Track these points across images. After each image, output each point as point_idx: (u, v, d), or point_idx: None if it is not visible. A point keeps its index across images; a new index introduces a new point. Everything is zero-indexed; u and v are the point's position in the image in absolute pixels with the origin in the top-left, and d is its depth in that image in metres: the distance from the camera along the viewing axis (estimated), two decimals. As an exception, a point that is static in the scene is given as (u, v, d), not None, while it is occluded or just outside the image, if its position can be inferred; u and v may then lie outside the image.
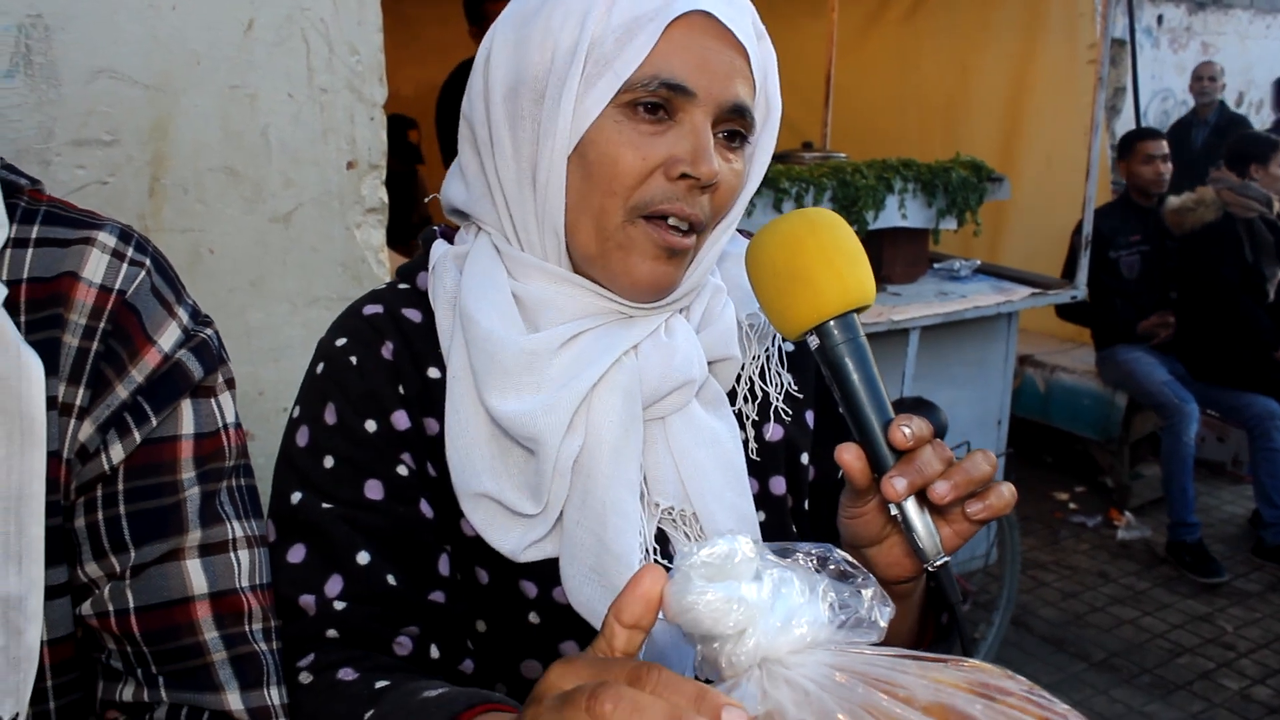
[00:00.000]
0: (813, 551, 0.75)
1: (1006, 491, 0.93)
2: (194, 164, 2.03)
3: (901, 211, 3.96)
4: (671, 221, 1.03)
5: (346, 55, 2.12)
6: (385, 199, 2.21)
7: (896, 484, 0.90)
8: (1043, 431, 5.93)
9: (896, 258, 4.07)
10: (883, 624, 0.70)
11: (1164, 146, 5.34)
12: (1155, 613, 4.61)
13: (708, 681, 0.71)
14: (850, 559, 0.75)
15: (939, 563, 0.92)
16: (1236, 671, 4.14)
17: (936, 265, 4.34)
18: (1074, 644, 4.34)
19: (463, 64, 4.32)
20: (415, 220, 4.86)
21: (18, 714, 0.86)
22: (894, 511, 0.92)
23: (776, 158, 4.20)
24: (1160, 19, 9.04)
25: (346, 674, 0.97)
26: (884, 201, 3.86)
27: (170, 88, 1.98)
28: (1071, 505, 5.71)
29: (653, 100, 1.01)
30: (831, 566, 0.74)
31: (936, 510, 0.92)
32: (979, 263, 4.39)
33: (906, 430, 0.90)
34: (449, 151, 4.06)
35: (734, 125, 1.05)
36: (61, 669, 0.92)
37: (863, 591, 0.72)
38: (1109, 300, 5.20)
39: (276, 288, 2.14)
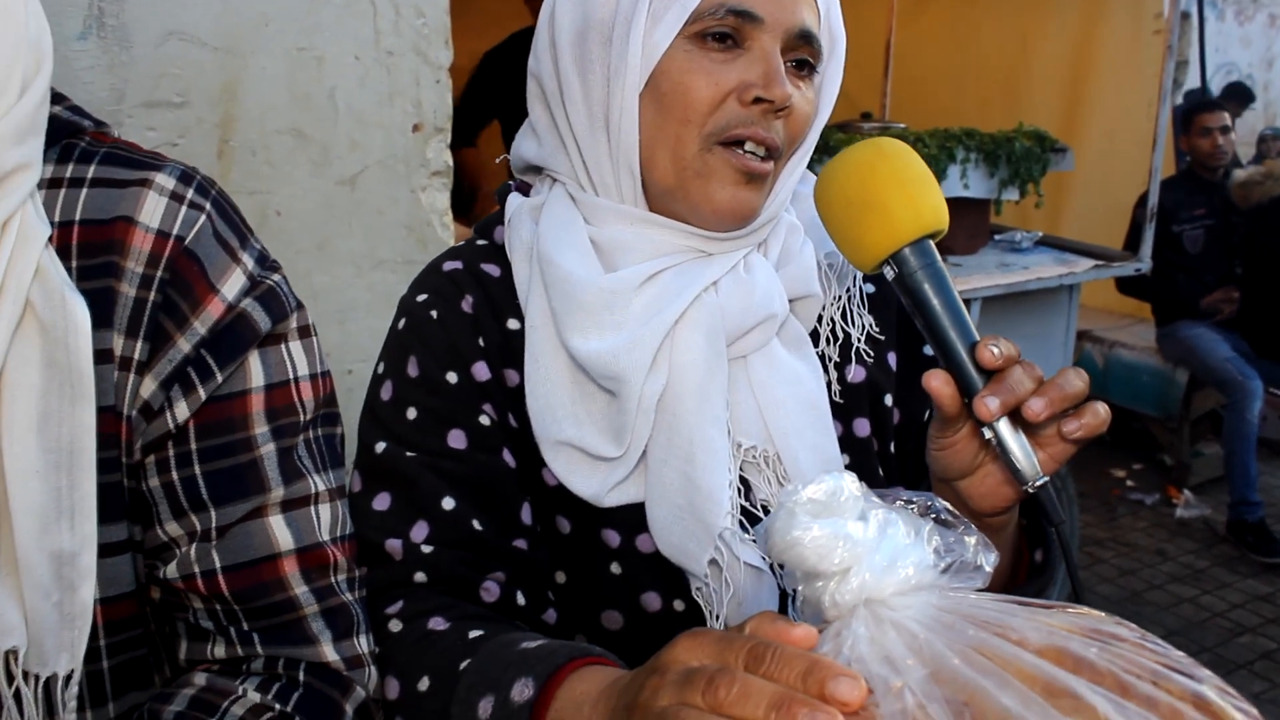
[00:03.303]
0: (913, 499, 0.73)
1: (1101, 409, 0.90)
2: (262, 126, 2.04)
3: (964, 181, 3.90)
4: (749, 147, 1.03)
5: (413, 18, 2.11)
6: (450, 162, 2.21)
7: (989, 403, 0.87)
8: (1100, 408, 5.84)
9: (958, 228, 4.00)
10: (988, 569, 0.69)
11: (1224, 118, 5.22)
12: (1215, 591, 4.54)
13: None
14: (951, 508, 0.74)
15: (1038, 483, 0.89)
16: (1299, 652, 4.08)
17: (997, 236, 4.27)
18: (1132, 621, 4.27)
19: (495, 49, 4.32)
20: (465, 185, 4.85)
21: (72, 671, 0.85)
22: (988, 435, 0.90)
23: (836, 127, 4.16)
24: (1225, -10, 8.83)
25: (438, 624, 0.97)
26: (946, 171, 3.81)
27: (239, 50, 1.99)
28: (1129, 483, 5.63)
29: (721, 28, 1.01)
30: (932, 515, 0.73)
31: (1030, 433, 0.90)
32: (1041, 234, 4.32)
33: (995, 349, 0.88)
34: (462, 122, 4.03)
35: (802, 53, 1.05)
36: (115, 628, 0.91)
37: (966, 538, 0.70)
38: (1171, 275, 5.11)
39: (342, 250, 2.15)
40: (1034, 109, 5.65)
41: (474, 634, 0.94)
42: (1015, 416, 0.89)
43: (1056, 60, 5.98)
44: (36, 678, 0.84)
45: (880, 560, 0.66)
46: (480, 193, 4.13)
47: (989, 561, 0.69)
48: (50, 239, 0.86)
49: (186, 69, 1.95)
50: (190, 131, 1.98)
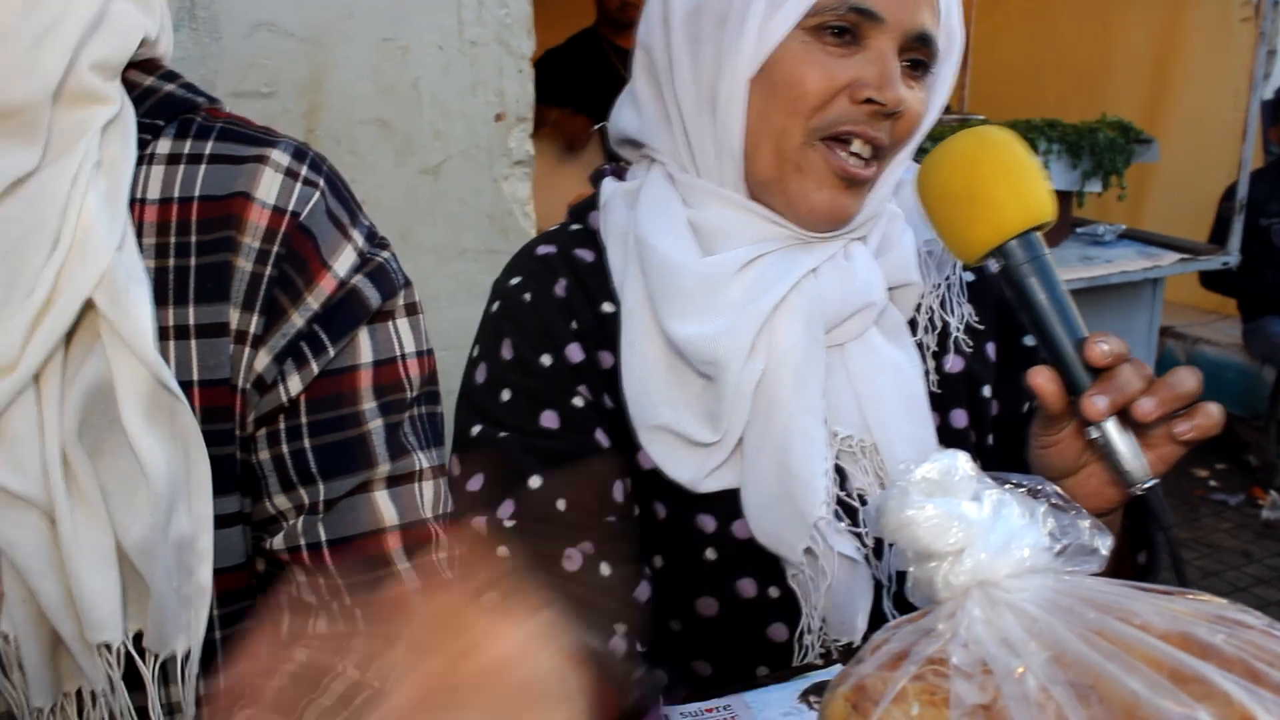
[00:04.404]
0: (1023, 482, 0.72)
1: (1214, 410, 0.87)
2: (347, 116, 2.06)
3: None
4: (855, 147, 1.02)
5: (495, 8, 2.13)
6: (532, 151, 2.22)
7: (1097, 402, 0.85)
8: (1183, 406, 5.71)
9: (1038, 221, 3.94)
10: (1104, 552, 0.67)
11: (1313, 110, 5.09)
12: (1303, 595, 4.43)
13: (907, 609, 0.69)
14: (1061, 493, 0.72)
15: (1147, 485, 0.87)
16: (1393, 658, 3.95)
17: (1079, 230, 4.20)
18: (1216, 624, 4.18)
19: (556, 49, 4.33)
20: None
21: (189, 650, 0.87)
22: (1094, 434, 0.87)
23: (914, 118, 4.10)
24: (1316, -23, 8.57)
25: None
26: (1027, 162, 3.75)
27: (325, 40, 2.01)
28: (1212, 482, 5.50)
29: (841, 24, 0.99)
30: (1043, 498, 0.71)
31: (1139, 433, 0.87)
32: (1124, 227, 4.24)
33: (1104, 346, 0.85)
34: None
35: (918, 54, 1.03)
36: (228, 599, 0.93)
37: (1080, 521, 0.69)
38: (1259, 269, 4.97)
39: (425, 239, 2.17)
40: (1116, 99, 5.53)
41: None
42: (1124, 416, 0.86)
43: (1139, 49, 5.85)
44: (155, 657, 0.86)
45: (995, 541, 0.64)
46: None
47: (1104, 545, 0.68)
48: (168, 232, 0.87)
49: (274, 59, 1.98)
50: (277, 121, 2.00)
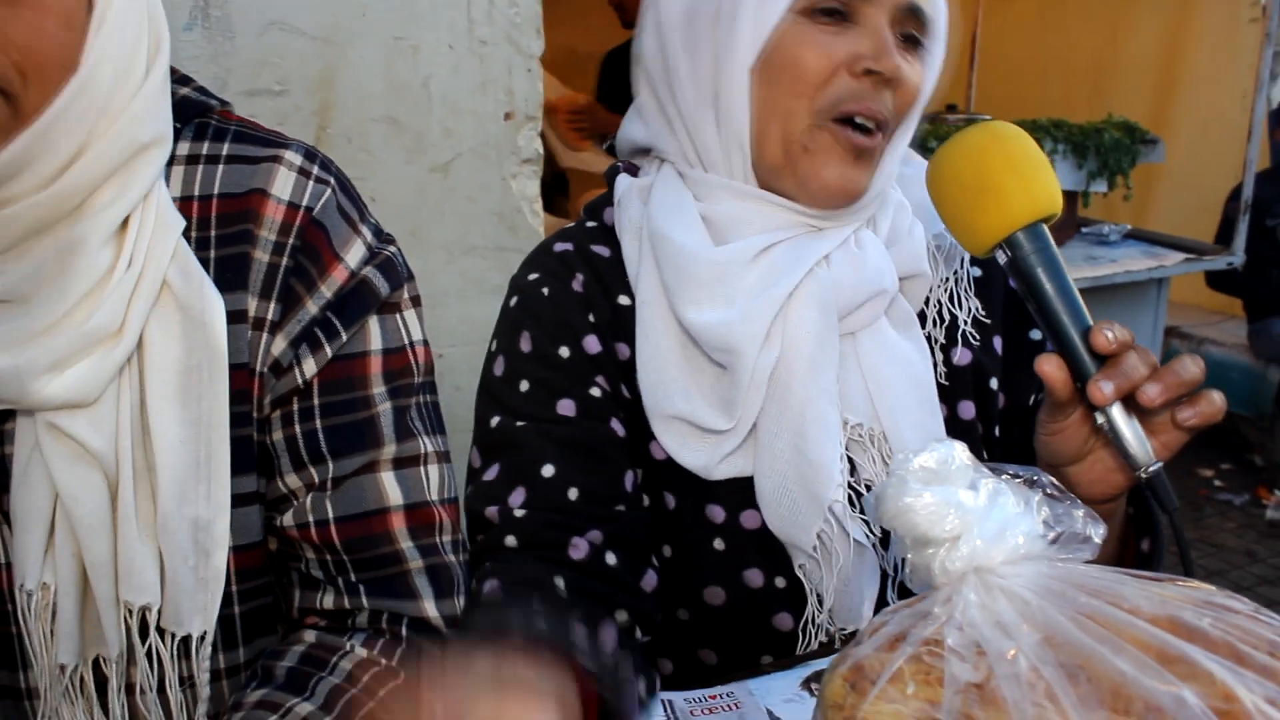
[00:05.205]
0: (1020, 473, 0.74)
1: (1217, 397, 0.89)
2: (358, 114, 2.08)
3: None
4: (858, 121, 1.04)
5: (505, 7, 2.14)
6: (541, 150, 2.23)
7: (1104, 387, 0.87)
8: (1188, 406, 5.70)
9: (1044, 221, 3.96)
10: (1096, 540, 0.69)
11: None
12: (1307, 595, 4.43)
13: (906, 594, 0.71)
14: (1057, 484, 0.74)
15: (1152, 469, 0.89)
16: (1396, 658, 3.95)
17: (1084, 229, 4.21)
18: (1220, 623, 4.18)
19: (616, 49, 4.36)
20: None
21: (205, 632, 0.91)
22: (1100, 420, 0.89)
23: (922, 118, 4.12)
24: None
25: (489, 587, 0.99)
26: (1033, 162, 3.76)
27: (337, 39, 2.03)
28: (1217, 482, 5.50)
29: (831, 4, 1.02)
30: (1039, 489, 0.73)
31: (1143, 420, 0.90)
32: (1129, 227, 4.25)
33: (1110, 334, 0.88)
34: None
35: (910, 27, 1.06)
36: (246, 576, 0.97)
37: (1074, 510, 0.71)
38: (1264, 270, 4.98)
39: (434, 237, 2.19)
40: (1123, 100, 5.54)
41: (474, 612, 0.97)
42: (1129, 403, 0.88)
43: (1147, 50, 5.85)
44: (173, 636, 0.90)
45: (990, 528, 0.66)
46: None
47: (1097, 533, 0.70)
48: (189, 227, 0.93)
49: (286, 58, 2.00)
50: (289, 119, 2.03)
